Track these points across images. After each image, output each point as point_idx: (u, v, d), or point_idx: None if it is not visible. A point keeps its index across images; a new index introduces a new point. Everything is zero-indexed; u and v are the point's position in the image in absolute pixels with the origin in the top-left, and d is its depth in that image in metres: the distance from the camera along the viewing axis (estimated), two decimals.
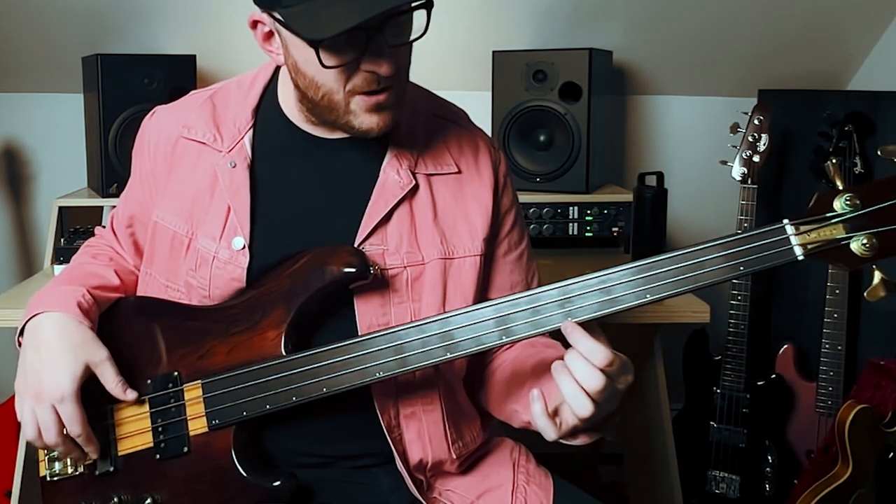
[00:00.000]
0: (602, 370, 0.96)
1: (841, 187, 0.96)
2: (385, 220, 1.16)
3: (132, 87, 2.15)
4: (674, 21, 2.47)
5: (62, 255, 2.01)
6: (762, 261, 0.96)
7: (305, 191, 1.19)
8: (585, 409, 0.97)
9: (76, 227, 2.12)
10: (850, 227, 0.95)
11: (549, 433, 1.01)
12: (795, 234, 0.96)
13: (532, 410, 1.00)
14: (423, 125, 1.24)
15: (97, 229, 1.42)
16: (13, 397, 2.22)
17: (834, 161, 1.01)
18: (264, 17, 1.10)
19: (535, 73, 2.29)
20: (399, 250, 1.16)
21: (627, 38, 2.52)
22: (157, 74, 2.17)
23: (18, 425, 2.21)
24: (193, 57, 2.24)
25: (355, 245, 1.15)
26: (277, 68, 1.23)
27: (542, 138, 2.34)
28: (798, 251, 0.95)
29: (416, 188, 1.19)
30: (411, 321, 1.07)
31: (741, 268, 0.97)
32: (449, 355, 1.04)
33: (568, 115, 2.27)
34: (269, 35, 1.13)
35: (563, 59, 2.26)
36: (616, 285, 0.99)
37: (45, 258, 2.22)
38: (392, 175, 1.18)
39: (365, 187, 1.18)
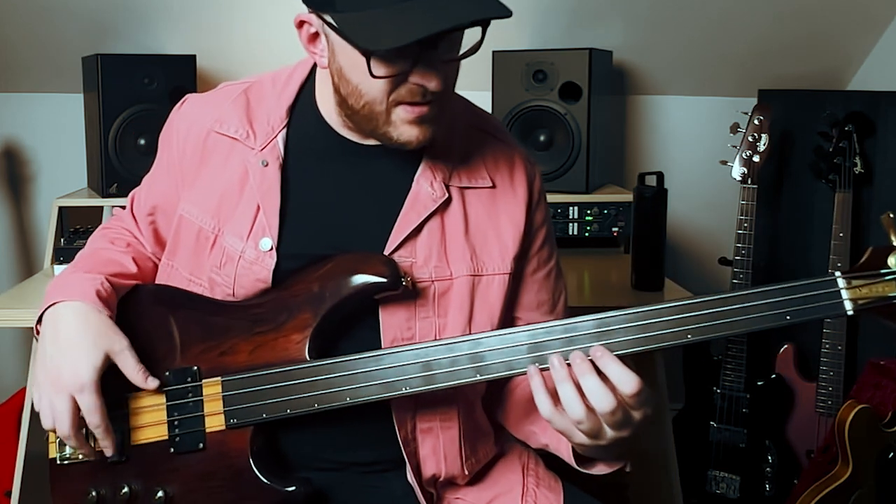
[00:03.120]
0: (623, 400, 0.94)
1: None
2: (415, 233, 1.13)
3: (132, 87, 2.16)
4: (674, 21, 2.47)
5: (62, 255, 2.01)
6: (810, 312, 0.95)
7: (337, 196, 1.16)
8: (579, 412, 0.95)
9: (76, 227, 2.12)
10: None
11: (546, 409, 0.98)
12: (847, 288, 0.94)
13: (531, 384, 0.98)
14: (460, 137, 1.20)
15: (116, 210, 1.36)
16: (13, 397, 2.23)
17: (892, 215, 0.98)
18: (312, 18, 1.07)
19: (535, 73, 2.29)
20: (427, 264, 1.13)
21: (627, 38, 2.52)
22: (157, 74, 2.17)
23: (18, 425, 2.21)
24: (193, 57, 2.23)
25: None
26: (314, 67, 1.19)
27: (542, 138, 2.33)
28: (848, 305, 0.94)
29: (448, 201, 1.16)
30: (436, 338, 1.05)
31: (787, 317, 0.95)
32: (479, 377, 1.02)
33: (568, 115, 2.27)
34: (315, 36, 1.09)
35: (563, 59, 2.26)
36: (656, 322, 0.97)
37: (45, 258, 2.23)
38: (425, 187, 1.15)
39: (397, 197, 1.14)
